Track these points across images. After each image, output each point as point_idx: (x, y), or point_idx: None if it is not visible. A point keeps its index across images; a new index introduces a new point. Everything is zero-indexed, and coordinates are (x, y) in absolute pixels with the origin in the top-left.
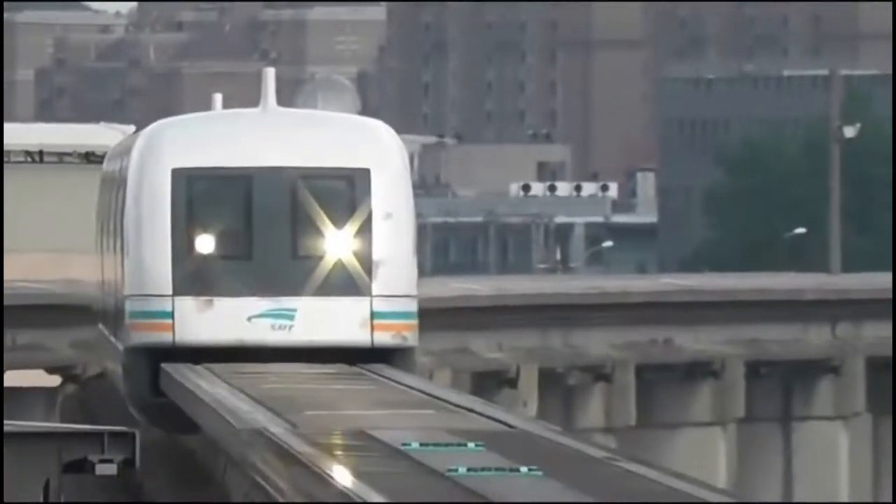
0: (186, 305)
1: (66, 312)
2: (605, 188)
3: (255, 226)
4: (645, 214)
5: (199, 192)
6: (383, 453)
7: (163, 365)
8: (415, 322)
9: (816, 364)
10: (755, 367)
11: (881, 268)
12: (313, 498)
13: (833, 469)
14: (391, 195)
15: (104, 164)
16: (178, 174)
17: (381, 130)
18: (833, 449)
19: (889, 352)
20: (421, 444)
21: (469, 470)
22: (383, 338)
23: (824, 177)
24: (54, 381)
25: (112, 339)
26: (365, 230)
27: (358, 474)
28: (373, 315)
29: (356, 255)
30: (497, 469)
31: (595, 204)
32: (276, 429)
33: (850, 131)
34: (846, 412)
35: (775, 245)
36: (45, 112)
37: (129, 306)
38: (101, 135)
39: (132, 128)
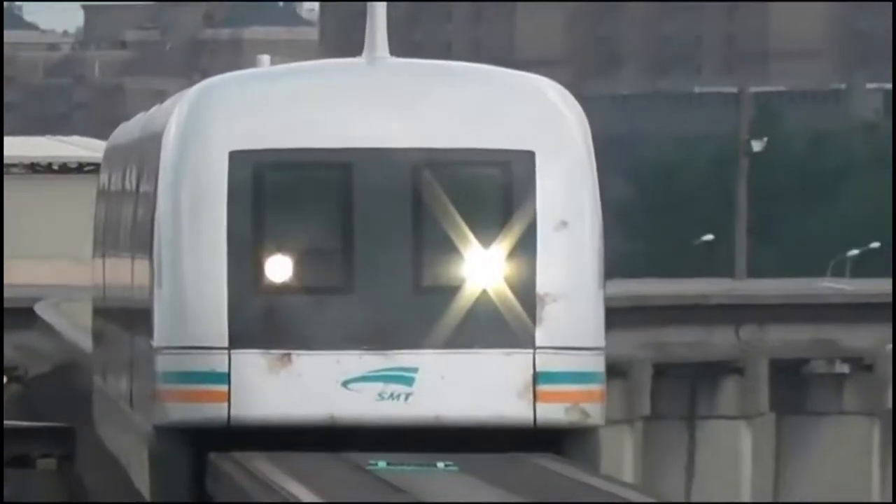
0: (250, 363)
1: (8, 315)
2: None
3: (358, 240)
4: None
5: (272, 188)
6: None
7: (212, 455)
8: (601, 389)
9: (721, 365)
10: (662, 369)
11: (784, 274)
12: None
13: (735, 467)
14: (567, 193)
15: (106, 151)
16: (239, 160)
17: (551, 93)
18: (736, 447)
19: (792, 354)
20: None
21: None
22: (552, 412)
23: (733, 189)
24: None
25: (128, 409)
26: (526, 247)
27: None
28: (536, 378)
29: (512, 285)
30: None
31: None
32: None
33: (757, 145)
34: (750, 412)
35: (684, 252)
36: None
37: (161, 364)
38: (46, 147)
39: (77, 139)
